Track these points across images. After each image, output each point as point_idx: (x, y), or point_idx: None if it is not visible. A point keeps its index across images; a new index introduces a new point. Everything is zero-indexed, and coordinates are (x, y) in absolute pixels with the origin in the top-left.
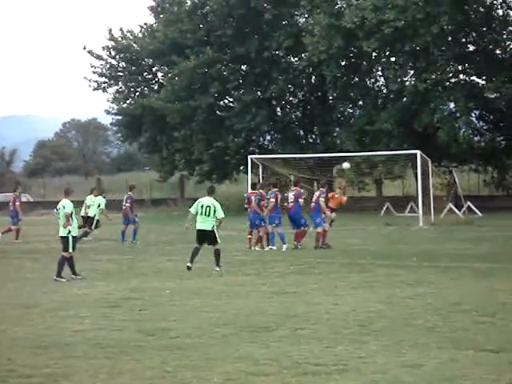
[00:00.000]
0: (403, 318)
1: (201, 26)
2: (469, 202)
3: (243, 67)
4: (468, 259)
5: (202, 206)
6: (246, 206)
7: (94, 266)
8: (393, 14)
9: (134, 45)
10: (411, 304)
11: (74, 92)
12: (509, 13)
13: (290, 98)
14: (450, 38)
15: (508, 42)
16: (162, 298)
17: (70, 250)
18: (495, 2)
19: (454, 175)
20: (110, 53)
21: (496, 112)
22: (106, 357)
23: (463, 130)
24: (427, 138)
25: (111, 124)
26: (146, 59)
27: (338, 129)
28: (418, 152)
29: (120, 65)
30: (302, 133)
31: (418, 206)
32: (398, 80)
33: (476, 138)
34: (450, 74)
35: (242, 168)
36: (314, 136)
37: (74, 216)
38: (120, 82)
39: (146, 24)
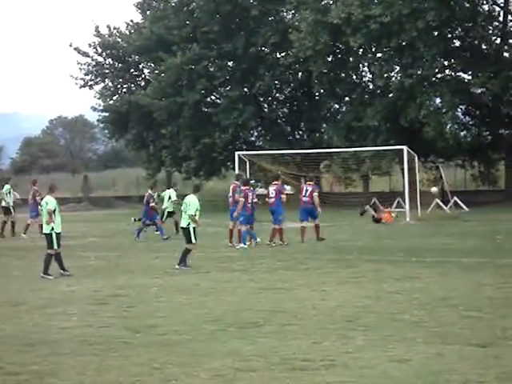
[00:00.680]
0: (390, 313)
1: (187, 22)
2: (455, 197)
3: (230, 63)
4: (455, 254)
5: (183, 203)
6: (267, 199)
7: (82, 263)
8: (379, 9)
9: (121, 41)
10: (398, 299)
11: (61, 89)
12: (494, 8)
13: (277, 95)
14: (435, 34)
15: (493, 38)
16: (149, 295)
17: (55, 246)
18: None
19: (440, 170)
20: (96, 50)
21: (482, 107)
22: (94, 354)
23: (449, 125)
24: (414, 133)
25: (98, 121)
26: (132, 56)
27: (325, 125)
28: (405, 148)
29: (106, 62)
30: (289, 129)
31: (404, 202)
32: (385, 76)
33: (462, 133)
34: (436, 70)
35: (229, 164)
36: (301, 132)
37: (57, 213)
38: (106, 79)
39: (132, 21)
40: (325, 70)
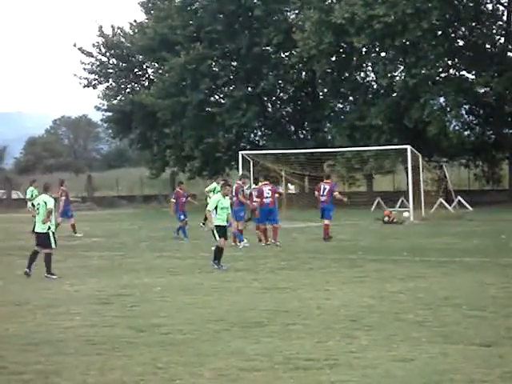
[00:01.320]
0: (394, 313)
1: (191, 22)
2: (459, 197)
3: (233, 63)
4: (458, 254)
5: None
6: (257, 199)
7: (85, 263)
8: (383, 9)
9: (124, 41)
10: (402, 298)
11: (64, 89)
12: (498, 7)
13: (281, 94)
14: (439, 33)
15: (497, 37)
16: (153, 295)
17: (53, 245)
18: None
19: (444, 170)
20: (100, 50)
21: (486, 106)
22: (97, 353)
23: (453, 124)
24: (417, 133)
25: (101, 120)
26: (136, 56)
27: (328, 124)
28: (409, 147)
29: (110, 61)
30: (292, 128)
31: (408, 201)
32: (388, 75)
33: (466, 133)
34: (440, 69)
35: (233, 164)
36: (304, 132)
37: (53, 212)
38: (110, 79)
39: (135, 21)
40: (328, 70)
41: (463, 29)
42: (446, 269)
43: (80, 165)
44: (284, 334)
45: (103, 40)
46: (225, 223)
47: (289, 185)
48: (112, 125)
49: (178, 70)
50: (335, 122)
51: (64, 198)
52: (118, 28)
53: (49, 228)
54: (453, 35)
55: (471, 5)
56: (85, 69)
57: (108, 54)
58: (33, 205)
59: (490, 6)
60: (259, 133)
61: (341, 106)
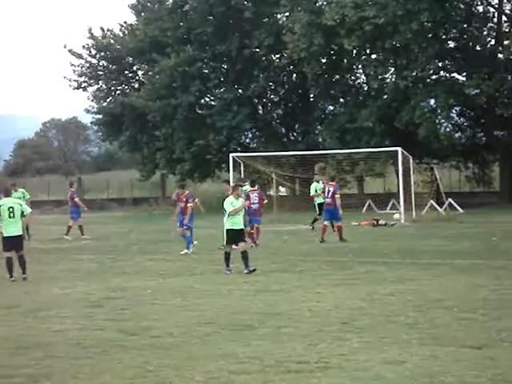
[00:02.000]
0: (385, 315)
1: (181, 24)
2: (450, 199)
3: (224, 65)
4: (449, 256)
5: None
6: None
7: (76, 266)
8: (373, 11)
9: (115, 43)
10: (392, 301)
11: (54, 91)
12: (488, 9)
13: (271, 96)
14: (430, 35)
15: (488, 39)
16: (143, 298)
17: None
18: None
19: (435, 172)
20: (90, 52)
21: (476, 108)
22: (88, 356)
23: (444, 126)
24: (408, 135)
25: (91, 123)
26: (126, 58)
27: (319, 126)
28: (399, 149)
29: (100, 63)
30: (283, 131)
31: (399, 203)
32: (379, 77)
33: (457, 135)
34: (431, 71)
35: (223, 166)
36: (295, 134)
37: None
38: (100, 81)
39: (126, 22)
40: (319, 72)
41: (454, 31)
42: (436, 271)
43: (70, 167)
44: (275, 337)
45: (93, 42)
46: (236, 227)
47: (280, 187)
48: (102, 127)
49: (169, 72)
50: (326, 124)
51: (71, 200)
52: (108, 30)
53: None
54: (443, 37)
55: (462, 6)
56: (75, 71)
57: (98, 56)
58: None
59: (480, 8)
60: (250, 135)
61: (331, 108)
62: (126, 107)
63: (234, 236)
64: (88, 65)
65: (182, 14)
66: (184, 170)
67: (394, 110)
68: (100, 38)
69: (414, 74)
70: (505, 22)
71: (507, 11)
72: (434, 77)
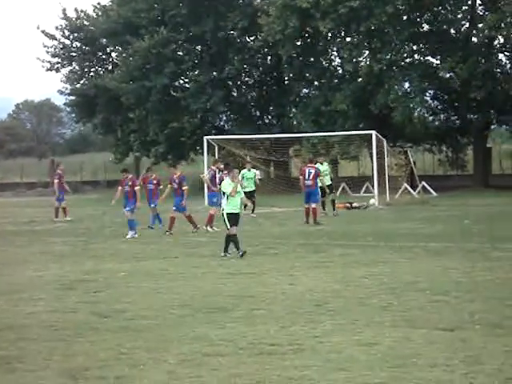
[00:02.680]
0: (358, 298)
1: (155, 5)
2: (424, 182)
3: (198, 47)
4: (423, 239)
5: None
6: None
7: (48, 248)
8: None
9: (88, 24)
10: (366, 283)
11: (27, 72)
12: None
13: (246, 79)
14: (404, 18)
15: (462, 22)
16: (116, 280)
17: None
18: None
19: (408, 155)
20: (63, 33)
21: (450, 92)
22: (60, 339)
23: (418, 110)
24: (382, 118)
25: (65, 104)
26: (100, 39)
27: (294, 109)
28: (374, 132)
29: (74, 45)
30: (258, 113)
31: (373, 186)
32: (354, 60)
33: (430, 118)
34: (405, 54)
35: (198, 149)
36: (270, 117)
37: None
38: (74, 62)
39: (99, 3)
40: (294, 55)
41: (428, 14)
42: (410, 254)
43: (43, 149)
44: (248, 320)
45: (67, 23)
46: (235, 210)
47: (254, 170)
48: (75, 109)
49: (142, 53)
50: (300, 107)
51: (57, 181)
52: (82, 11)
53: None
54: (418, 20)
55: None
56: (48, 52)
57: (71, 37)
58: None
59: None
60: (224, 118)
61: (306, 91)
62: (100, 89)
63: (234, 219)
64: (61, 46)
65: None
66: (158, 152)
67: (369, 93)
68: (74, 19)
69: (388, 57)
70: (479, 5)
71: None
72: (408, 60)
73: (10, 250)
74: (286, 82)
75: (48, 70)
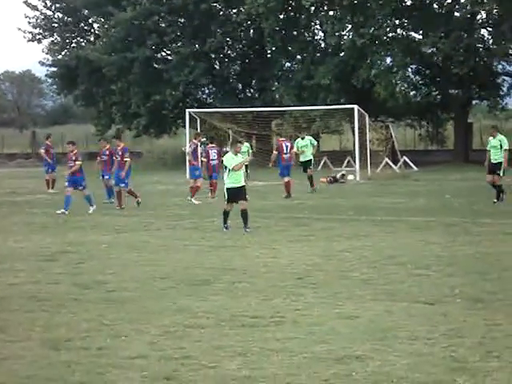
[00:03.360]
0: (339, 271)
1: None
2: (405, 157)
3: (181, 19)
4: (404, 213)
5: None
6: (203, 159)
7: (29, 219)
8: None
9: None
10: (348, 257)
11: (7, 43)
12: None
13: (229, 52)
14: None
15: None
16: (98, 252)
17: None
18: None
19: (390, 130)
20: (45, 3)
21: (432, 67)
22: (42, 310)
23: (400, 84)
24: (364, 93)
25: (46, 76)
26: (82, 10)
27: (276, 83)
28: (356, 107)
29: (55, 15)
30: (240, 87)
31: (355, 161)
32: (336, 34)
33: (412, 93)
34: (388, 29)
35: (180, 122)
36: (252, 90)
37: None
38: (55, 33)
39: None
40: (277, 28)
41: None
42: (391, 228)
43: (24, 121)
44: (230, 292)
45: None
46: (237, 184)
47: (246, 143)
48: (57, 80)
49: (124, 25)
50: (283, 81)
51: (43, 151)
52: None
53: None
54: None
55: None
56: (29, 22)
57: (53, 7)
58: None
59: None
60: (206, 91)
61: (289, 65)
62: (81, 60)
63: (236, 194)
64: (43, 16)
65: None
66: (140, 125)
67: (351, 67)
68: None
69: (371, 31)
70: None
71: None
72: (390, 35)
73: None
74: (269, 56)
75: (30, 40)
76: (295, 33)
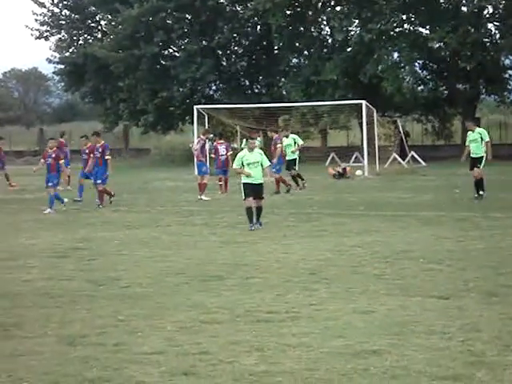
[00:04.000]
0: (352, 266)
1: None
2: (413, 152)
3: (188, 16)
4: (413, 208)
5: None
6: (212, 155)
7: (40, 217)
8: None
9: None
10: (359, 252)
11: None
12: None
13: (236, 48)
14: None
15: None
16: (110, 248)
17: None
18: None
19: (398, 125)
20: (52, 1)
21: (440, 61)
22: (56, 306)
23: (407, 79)
24: (372, 88)
25: (53, 73)
26: (89, 7)
27: (283, 79)
28: (364, 102)
29: (63, 13)
30: (247, 83)
31: (363, 156)
32: (344, 30)
33: (420, 88)
34: (395, 24)
35: (187, 118)
36: (259, 86)
37: None
38: (63, 31)
39: None
40: (284, 24)
41: None
42: (401, 223)
43: (31, 118)
44: (244, 288)
45: None
46: (254, 181)
47: (259, 138)
48: (64, 77)
49: (132, 22)
50: (290, 77)
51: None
52: None
53: None
54: None
55: None
56: (37, 20)
57: (60, 4)
58: None
59: None
60: (214, 87)
61: (296, 61)
62: (89, 57)
63: (252, 190)
64: (50, 14)
65: None
66: (147, 121)
67: (359, 63)
68: None
69: (378, 26)
70: None
71: None
72: (398, 30)
73: (0, 218)
74: (276, 52)
75: (37, 38)
76: (302, 29)
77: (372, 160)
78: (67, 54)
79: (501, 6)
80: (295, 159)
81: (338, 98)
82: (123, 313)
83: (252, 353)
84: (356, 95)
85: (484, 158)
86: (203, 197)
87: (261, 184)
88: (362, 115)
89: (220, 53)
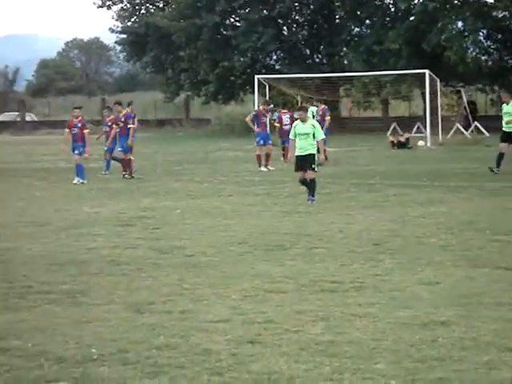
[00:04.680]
0: (417, 237)
1: None
2: (476, 122)
3: None
4: (477, 179)
5: None
6: (276, 124)
7: (103, 185)
8: None
9: None
10: (424, 223)
11: (76, 11)
12: None
13: (297, 17)
14: None
15: None
16: (173, 217)
17: None
18: None
19: (462, 95)
20: None
21: (504, 31)
22: (123, 274)
23: (471, 49)
24: (435, 57)
25: (115, 42)
26: None
27: (345, 49)
28: (427, 71)
29: None
30: (308, 52)
31: (425, 127)
32: None
33: (484, 58)
34: None
35: (248, 88)
36: (320, 56)
37: None
38: (125, 0)
39: None
40: None
41: None
42: (466, 194)
43: (92, 88)
44: (307, 257)
45: None
46: (302, 152)
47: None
48: (126, 47)
49: None
50: (352, 47)
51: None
52: None
53: None
54: None
55: None
56: None
57: None
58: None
59: None
60: (274, 57)
61: (358, 30)
62: (151, 27)
63: (301, 162)
64: None
65: None
66: (208, 91)
67: (422, 32)
68: None
69: None
70: None
71: None
72: None
73: (63, 187)
74: (337, 21)
75: (99, 7)
76: None
77: (435, 130)
78: (129, 23)
79: None
80: None
81: (400, 67)
82: (188, 281)
83: (317, 322)
84: (418, 65)
85: None
86: (262, 168)
87: (308, 155)
88: (425, 85)
89: (281, 22)
